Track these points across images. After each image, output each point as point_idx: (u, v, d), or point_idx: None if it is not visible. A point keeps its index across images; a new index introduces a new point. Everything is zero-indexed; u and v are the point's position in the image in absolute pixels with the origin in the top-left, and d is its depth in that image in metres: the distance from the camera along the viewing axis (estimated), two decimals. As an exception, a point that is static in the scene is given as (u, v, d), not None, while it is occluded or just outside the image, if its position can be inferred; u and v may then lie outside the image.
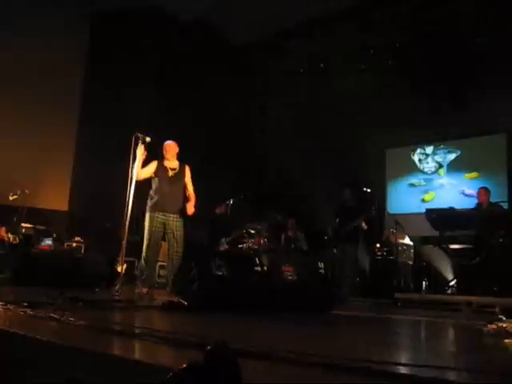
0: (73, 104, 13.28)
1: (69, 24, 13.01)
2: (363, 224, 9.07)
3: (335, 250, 9.68)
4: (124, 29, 12.69)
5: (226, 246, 9.95)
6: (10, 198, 9.95)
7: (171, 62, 12.92)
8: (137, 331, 2.60)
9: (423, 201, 12.72)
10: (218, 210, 10.37)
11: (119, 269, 7.61)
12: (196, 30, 13.11)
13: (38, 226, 10.74)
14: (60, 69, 12.85)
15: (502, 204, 9.11)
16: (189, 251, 6.96)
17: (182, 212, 6.91)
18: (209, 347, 1.60)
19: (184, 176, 7.07)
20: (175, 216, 6.89)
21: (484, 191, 8.87)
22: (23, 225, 10.40)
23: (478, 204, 8.80)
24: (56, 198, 12.78)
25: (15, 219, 10.37)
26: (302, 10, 12.11)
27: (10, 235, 10.44)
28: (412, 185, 13.15)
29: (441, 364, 2.31)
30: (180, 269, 5.53)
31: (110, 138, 11.73)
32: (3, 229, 10.44)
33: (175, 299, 4.78)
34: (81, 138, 13.05)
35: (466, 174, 12.19)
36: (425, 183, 12.95)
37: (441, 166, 12.72)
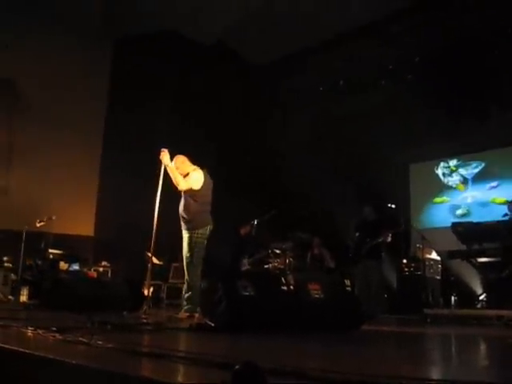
0: (97, 130, 13.48)
1: (91, 50, 13.26)
2: (388, 238, 8.93)
3: (358, 266, 9.60)
4: (145, 53, 12.88)
5: (248, 266, 9.91)
6: (38, 225, 10.08)
7: (191, 84, 13.05)
8: (165, 353, 2.60)
9: (457, 216, 12.52)
10: (242, 231, 10.38)
11: (146, 292, 7.65)
12: (214, 51, 13.25)
13: (66, 252, 10.85)
14: (83, 95, 13.09)
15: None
16: (214, 272, 6.93)
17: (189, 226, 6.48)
18: (237, 367, 1.59)
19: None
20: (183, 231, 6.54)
21: None
22: (51, 251, 10.53)
23: (511, 215, 8.68)
24: (82, 224, 12.92)
25: (43, 245, 10.50)
26: (320, 26, 12.18)
27: (38, 261, 10.58)
28: (437, 199, 13.02)
29: (474, 379, 2.28)
30: (206, 290, 5.53)
31: (134, 163, 11.85)
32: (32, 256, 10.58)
33: (202, 321, 4.79)
34: (105, 163, 13.22)
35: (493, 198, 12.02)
36: (450, 198, 12.81)
37: (465, 179, 12.59)
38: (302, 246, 10.67)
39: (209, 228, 6.43)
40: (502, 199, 11.52)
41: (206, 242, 6.40)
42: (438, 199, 13.00)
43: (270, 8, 11.79)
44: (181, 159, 6.67)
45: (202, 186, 6.47)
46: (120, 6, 12.33)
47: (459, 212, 12.44)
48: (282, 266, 9.59)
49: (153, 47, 12.86)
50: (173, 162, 6.57)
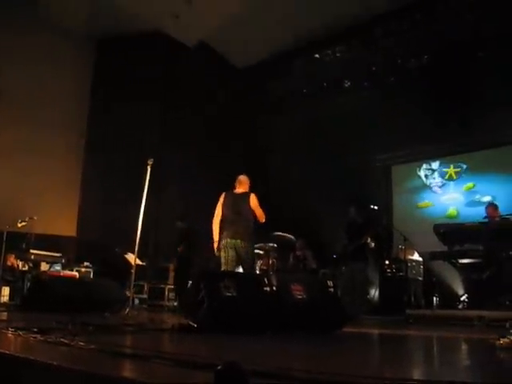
0: (79, 130, 13.38)
1: (75, 51, 13.18)
2: (369, 240, 8.98)
3: (344, 268, 9.63)
4: (128, 54, 12.82)
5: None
6: (19, 225, 9.98)
7: (176, 86, 13.01)
8: (147, 354, 2.59)
9: (419, 207, 12.72)
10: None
11: (128, 293, 7.61)
12: (200, 53, 13.21)
13: (47, 252, 10.75)
14: (66, 95, 12.99)
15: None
16: (197, 273, 6.93)
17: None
18: (219, 367, 1.59)
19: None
20: None
21: (493, 208, 8.83)
22: (32, 251, 10.42)
23: (489, 218, 8.73)
24: (64, 224, 12.82)
25: (24, 246, 10.39)
26: (303, 29, 12.22)
27: (19, 262, 10.47)
28: (419, 200, 13.11)
29: (455, 379, 2.29)
30: (189, 291, 5.52)
31: (117, 163, 11.80)
32: (13, 256, 10.47)
33: (185, 321, 4.77)
34: (87, 163, 13.13)
35: (464, 186, 12.20)
36: (432, 199, 12.90)
37: (447, 180, 12.68)
38: (285, 247, 10.67)
39: (223, 241, 6.95)
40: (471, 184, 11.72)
41: (223, 253, 6.93)
42: (420, 201, 13.08)
43: (254, 11, 11.79)
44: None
45: (219, 206, 7.12)
46: (104, 7, 12.24)
47: (447, 213, 12.57)
48: (265, 267, 9.59)
49: (136, 48, 12.80)
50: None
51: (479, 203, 11.65)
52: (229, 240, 6.90)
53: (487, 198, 11.67)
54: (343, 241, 9.28)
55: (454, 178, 12.48)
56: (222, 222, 7.03)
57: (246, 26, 12.25)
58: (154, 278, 11.39)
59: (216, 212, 7.08)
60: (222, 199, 7.14)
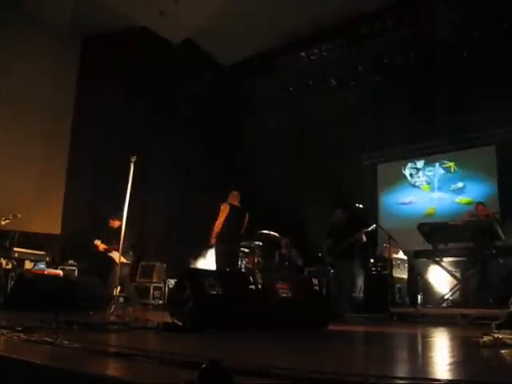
0: (64, 126, 13.27)
1: (59, 47, 13.07)
2: (363, 236, 8.99)
3: (330, 267, 9.65)
4: (113, 51, 12.73)
5: None
6: (2, 223, 9.88)
7: (161, 83, 12.96)
8: (131, 352, 2.58)
9: (425, 216, 12.65)
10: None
11: (113, 291, 7.57)
12: (186, 51, 13.16)
13: (31, 250, 10.66)
14: (51, 91, 12.89)
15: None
16: (183, 271, 6.92)
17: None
18: (203, 365, 1.59)
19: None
20: None
21: (482, 207, 8.92)
22: (16, 249, 10.32)
23: (478, 217, 8.79)
24: (48, 222, 12.71)
25: (8, 244, 10.28)
26: (290, 27, 12.23)
27: (2, 260, 10.37)
28: (404, 199, 13.15)
29: (438, 376, 2.30)
30: (174, 289, 5.51)
31: (102, 161, 11.74)
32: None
33: (170, 320, 4.76)
34: (72, 160, 13.03)
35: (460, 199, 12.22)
36: (417, 197, 12.95)
37: (432, 179, 12.74)
38: (271, 246, 10.68)
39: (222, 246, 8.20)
40: (468, 199, 11.72)
41: (218, 254, 8.18)
42: (404, 199, 13.12)
43: (240, 8, 11.77)
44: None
45: (223, 214, 8.22)
46: (89, 3, 12.14)
47: (426, 212, 12.60)
48: (250, 265, 9.60)
49: (122, 45, 12.71)
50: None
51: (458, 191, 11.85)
52: (226, 245, 8.08)
53: (460, 185, 11.88)
54: (327, 242, 9.26)
55: (457, 170, 12.46)
56: (223, 228, 8.08)
57: (232, 23, 12.22)
58: (139, 276, 11.36)
59: (220, 217, 8.17)
60: (226, 210, 8.23)
